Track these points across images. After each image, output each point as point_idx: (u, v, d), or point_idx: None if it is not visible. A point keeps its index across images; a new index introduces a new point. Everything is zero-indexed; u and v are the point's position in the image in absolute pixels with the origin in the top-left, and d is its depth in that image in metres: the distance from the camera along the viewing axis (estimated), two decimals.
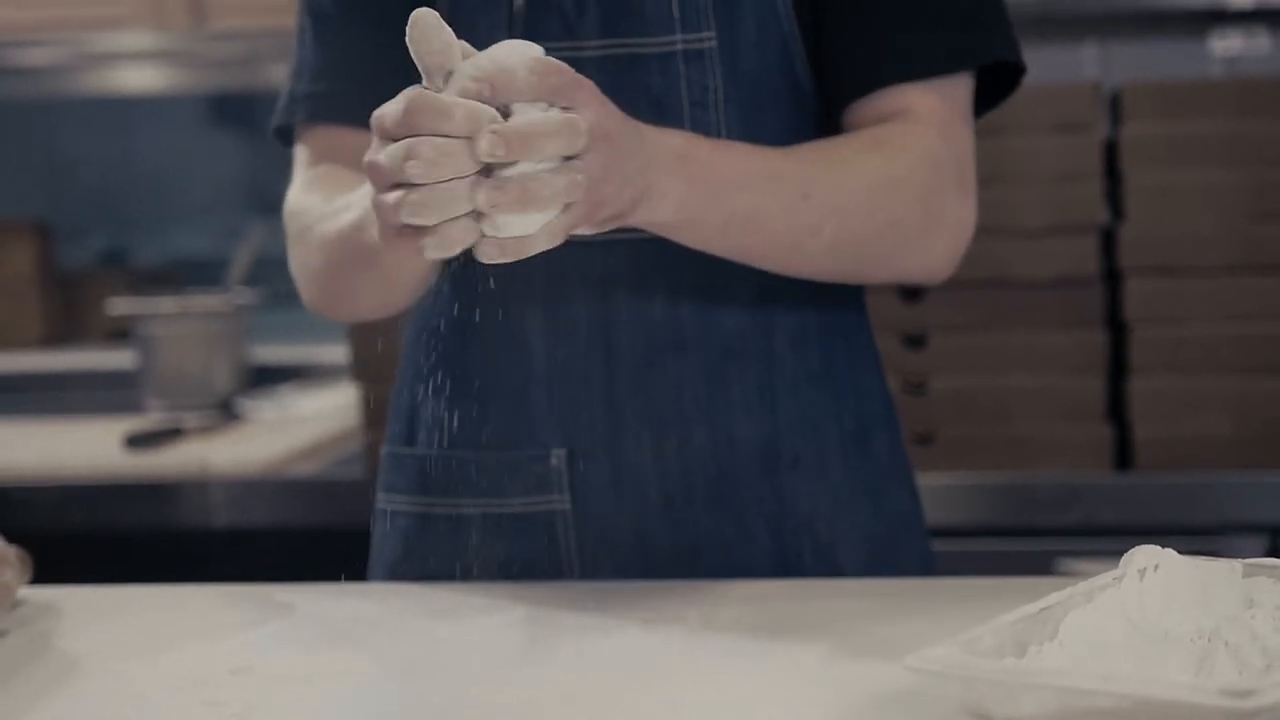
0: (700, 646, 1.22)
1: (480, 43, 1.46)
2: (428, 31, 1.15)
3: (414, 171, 1.12)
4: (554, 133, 1.14)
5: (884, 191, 1.39)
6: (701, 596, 1.36)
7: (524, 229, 1.15)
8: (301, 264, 1.51)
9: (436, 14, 1.16)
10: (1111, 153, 2.48)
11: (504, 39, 1.45)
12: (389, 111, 1.15)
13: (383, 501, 1.56)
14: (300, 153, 1.56)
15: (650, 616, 1.30)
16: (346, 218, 1.38)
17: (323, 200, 1.45)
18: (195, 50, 3.43)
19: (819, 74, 1.46)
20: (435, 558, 1.50)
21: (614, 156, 1.19)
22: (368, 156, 1.17)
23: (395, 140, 1.14)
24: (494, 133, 1.12)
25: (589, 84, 1.19)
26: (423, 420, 1.52)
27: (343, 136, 1.51)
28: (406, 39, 1.16)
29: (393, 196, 1.14)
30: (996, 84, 1.51)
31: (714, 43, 1.44)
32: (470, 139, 1.12)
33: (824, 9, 1.45)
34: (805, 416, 1.48)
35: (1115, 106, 2.53)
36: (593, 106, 1.18)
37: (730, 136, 1.43)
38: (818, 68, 1.46)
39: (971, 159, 1.47)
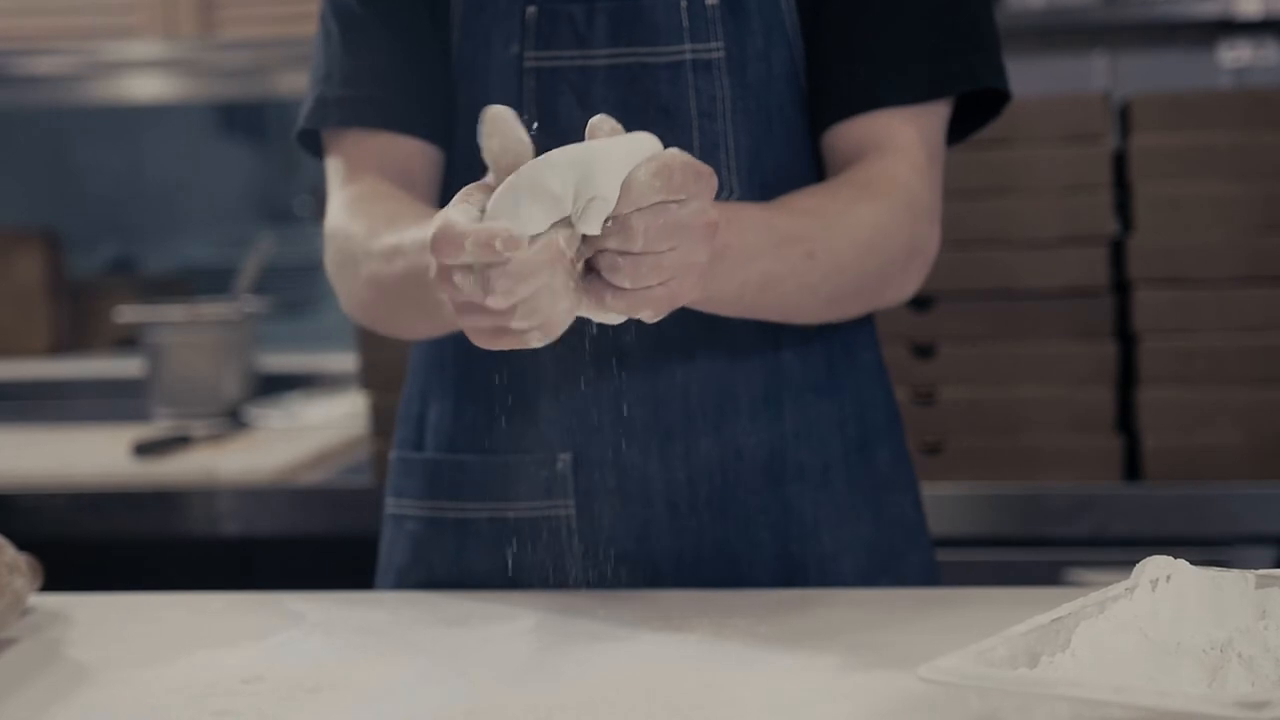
0: (712, 656, 1.22)
1: (492, 51, 1.47)
2: (504, 128, 1.12)
3: (495, 303, 1.08)
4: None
5: (875, 242, 1.41)
6: (711, 605, 1.36)
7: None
8: (347, 290, 1.49)
9: (513, 112, 1.13)
10: (1120, 164, 2.48)
11: (516, 49, 1.46)
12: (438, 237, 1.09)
13: (391, 506, 1.57)
14: (334, 164, 1.53)
15: (661, 625, 1.30)
16: (400, 264, 1.35)
17: (367, 229, 1.42)
18: (204, 59, 3.44)
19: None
20: (442, 561, 1.51)
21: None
22: (434, 275, 1.12)
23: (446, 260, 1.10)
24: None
25: (706, 173, 1.13)
26: (430, 424, 1.53)
27: (377, 143, 1.50)
28: (479, 135, 1.12)
29: (487, 321, 1.11)
30: (985, 102, 1.51)
31: (722, 53, 1.44)
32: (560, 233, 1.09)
33: (822, 27, 1.46)
34: (810, 426, 1.49)
35: (1124, 117, 2.53)
36: (707, 197, 1.13)
37: (737, 145, 1.44)
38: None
39: (940, 185, 1.48)
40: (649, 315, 1.14)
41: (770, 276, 1.33)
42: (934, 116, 1.47)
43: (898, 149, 1.44)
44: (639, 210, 1.09)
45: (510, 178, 1.10)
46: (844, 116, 1.45)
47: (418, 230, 1.32)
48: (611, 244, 1.10)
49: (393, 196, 1.45)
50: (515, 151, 1.11)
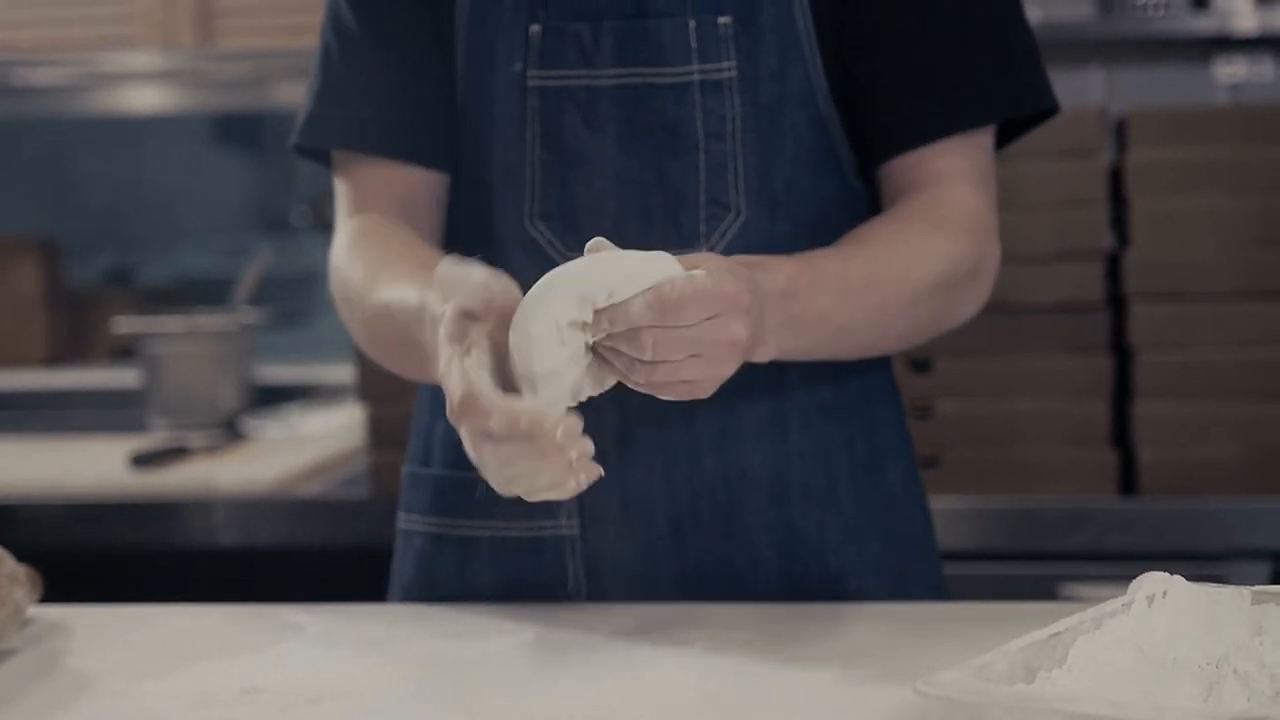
0: (709, 669, 1.22)
1: (496, 69, 1.47)
2: (460, 284, 1.15)
3: (517, 488, 1.14)
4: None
5: (946, 275, 1.42)
6: (709, 619, 1.36)
7: None
8: (349, 327, 1.51)
9: (458, 268, 1.16)
10: (1116, 179, 2.48)
11: (520, 67, 1.46)
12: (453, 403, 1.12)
13: (401, 521, 1.57)
14: (341, 188, 1.54)
15: (659, 638, 1.30)
16: (389, 331, 1.37)
17: (363, 275, 1.44)
18: (202, 70, 3.44)
19: (850, 126, 1.47)
20: (446, 577, 1.51)
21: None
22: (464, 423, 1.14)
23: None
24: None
25: (739, 290, 1.17)
26: (438, 439, 1.53)
27: (381, 173, 1.51)
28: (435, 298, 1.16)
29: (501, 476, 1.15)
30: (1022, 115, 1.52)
31: (733, 73, 1.44)
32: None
33: (853, 50, 1.46)
34: (816, 447, 1.48)
35: (1120, 132, 2.53)
36: (740, 309, 1.17)
37: (746, 165, 1.44)
38: (843, 106, 1.47)
39: (995, 199, 1.50)
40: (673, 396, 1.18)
41: (846, 327, 1.36)
42: (986, 136, 1.49)
43: (957, 175, 1.46)
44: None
45: (518, 316, 1.13)
46: (900, 151, 1.46)
47: (406, 293, 1.33)
48: (622, 347, 1.14)
49: (389, 239, 1.46)
50: (495, 291, 1.15)
